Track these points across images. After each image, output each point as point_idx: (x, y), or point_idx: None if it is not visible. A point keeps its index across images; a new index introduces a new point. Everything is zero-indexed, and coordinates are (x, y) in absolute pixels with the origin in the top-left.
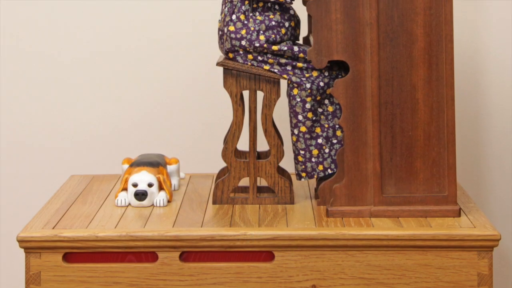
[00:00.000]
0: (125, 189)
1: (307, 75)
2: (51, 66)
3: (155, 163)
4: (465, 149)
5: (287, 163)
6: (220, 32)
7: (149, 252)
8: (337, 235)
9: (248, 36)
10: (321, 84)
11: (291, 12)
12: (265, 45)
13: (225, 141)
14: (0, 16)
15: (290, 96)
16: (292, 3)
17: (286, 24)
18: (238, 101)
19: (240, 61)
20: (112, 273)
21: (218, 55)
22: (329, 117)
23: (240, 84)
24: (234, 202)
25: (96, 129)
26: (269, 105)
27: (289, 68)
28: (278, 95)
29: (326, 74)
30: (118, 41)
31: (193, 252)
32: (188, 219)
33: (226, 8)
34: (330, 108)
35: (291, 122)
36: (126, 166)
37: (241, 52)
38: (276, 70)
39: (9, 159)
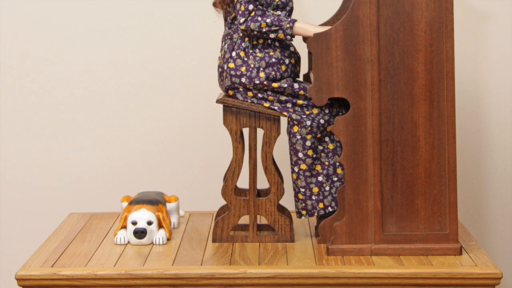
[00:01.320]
0: (124, 227)
1: (307, 112)
2: (50, 104)
3: (155, 201)
4: (467, 187)
5: (287, 201)
6: (219, 69)
7: None
8: (338, 273)
9: (248, 73)
10: (322, 121)
11: (292, 49)
12: (265, 82)
13: (225, 178)
14: (0, 55)
15: (290, 133)
16: (292, 40)
17: (287, 61)
18: (238, 139)
19: (240, 98)
20: None
21: (218, 92)
22: (330, 154)
23: (240, 121)
24: (234, 240)
25: (95, 166)
26: (269, 143)
27: (289, 105)
28: (278, 132)
29: (327, 111)
30: (118, 79)
31: None
32: (187, 257)
33: (226, 45)
34: (331, 146)
35: (291, 159)
36: (125, 204)
37: (241, 89)
38: (276, 108)
39: (8, 197)
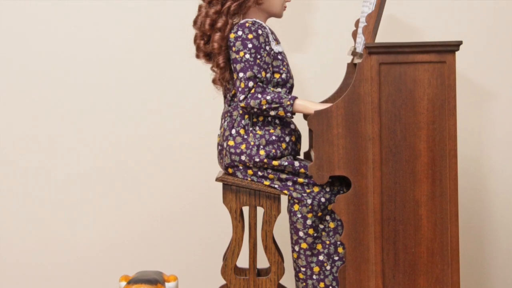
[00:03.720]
0: None
1: (308, 190)
2: (47, 183)
3: (153, 281)
4: (469, 267)
5: (288, 280)
6: (219, 147)
7: None
8: None
9: (248, 151)
10: (322, 200)
11: (292, 126)
12: (265, 160)
13: (225, 257)
14: None
15: (290, 212)
16: (293, 117)
17: (287, 138)
18: (237, 217)
19: (240, 177)
20: None
21: (217, 170)
22: (331, 233)
23: (239, 200)
24: None
25: (93, 245)
26: (269, 221)
27: (289, 183)
28: (278, 211)
29: (328, 189)
30: (117, 157)
31: None
32: None
33: (226, 123)
34: (332, 224)
35: (291, 238)
36: (123, 283)
37: (240, 167)
38: (276, 186)
39: (5, 276)
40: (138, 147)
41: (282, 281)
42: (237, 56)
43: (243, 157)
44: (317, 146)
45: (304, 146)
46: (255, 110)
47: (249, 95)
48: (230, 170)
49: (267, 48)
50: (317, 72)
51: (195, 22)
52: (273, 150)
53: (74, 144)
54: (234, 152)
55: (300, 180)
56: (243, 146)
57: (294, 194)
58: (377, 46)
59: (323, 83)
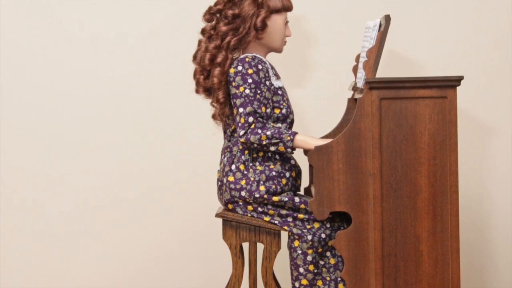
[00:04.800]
0: None
1: (308, 226)
2: (43, 218)
3: None
4: None
5: None
6: (219, 183)
7: None
8: None
9: (248, 187)
10: (323, 236)
11: (292, 162)
12: (265, 196)
13: None
14: None
15: (291, 248)
16: (293, 153)
17: (287, 174)
18: (237, 253)
19: (240, 212)
20: None
21: (217, 206)
22: (331, 269)
23: (239, 236)
24: None
25: (89, 283)
26: (269, 258)
27: (290, 219)
28: (278, 247)
29: (328, 225)
30: (115, 192)
31: None
32: None
33: (225, 158)
34: (332, 261)
35: (292, 274)
36: None
37: (240, 203)
38: (276, 222)
39: None
40: (137, 182)
41: None
42: (237, 91)
43: (243, 193)
44: (318, 181)
45: (305, 181)
46: (255, 145)
47: (249, 130)
48: (230, 206)
49: (267, 83)
50: (317, 107)
51: (194, 57)
52: (273, 186)
53: (72, 180)
54: (234, 187)
55: (301, 216)
56: (243, 182)
57: (295, 230)
58: (378, 81)
59: (323, 118)
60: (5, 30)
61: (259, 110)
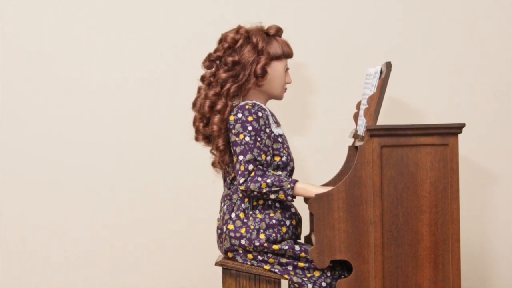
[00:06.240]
0: None
1: (308, 275)
2: (45, 267)
3: None
4: None
5: None
6: (218, 231)
7: None
8: None
9: (248, 235)
10: (323, 284)
11: (292, 210)
12: (265, 244)
13: None
14: None
15: None
16: (293, 201)
17: (287, 222)
18: None
19: (240, 261)
20: None
21: (217, 254)
22: None
23: (239, 284)
24: None
25: None
26: None
27: (290, 268)
28: None
29: (329, 274)
30: (115, 240)
31: None
32: None
33: (225, 206)
34: None
35: None
36: None
37: (240, 251)
38: (276, 270)
39: None
40: (136, 230)
41: None
42: (237, 139)
43: (243, 241)
44: (318, 230)
45: (305, 229)
46: (255, 193)
47: (249, 178)
48: (230, 254)
49: (267, 130)
50: (318, 155)
51: (194, 104)
52: (274, 234)
53: (73, 228)
54: (233, 236)
55: (301, 264)
56: (243, 230)
57: (295, 279)
58: (379, 129)
59: (324, 166)
60: (4, 77)
61: (259, 158)
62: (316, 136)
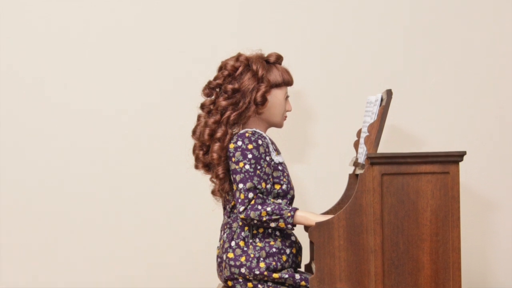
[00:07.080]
0: None
1: None
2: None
3: None
4: None
5: None
6: (218, 259)
7: None
8: None
9: (248, 264)
10: None
11: (293, 238)
12: (265, 273)
13: None
14: None
15: None
16: (293, 229)
17: (288, 251)
18: None
19: None
20: None
21: (217, 283)
22: None
23: None
24: None
25: None
26: None
27: None
28: None
29: None
30: (114, 270)
31: None
32: None
33: (225, 234)
34: None
35: None
36: None
37: (240, 280)
38: None
39: None
40: (135, 260)
41: None
42: (236, 167)
43: (243, 270)
44: (318, 258)
45: (305, 258)
46: (255, 221)
47: (249, 206)
48: (230, 283)
49: (267, 158)
50: (318, 183)
51: (194, 132)
52: (274, 263)
53: (74, 257)
54: (233, 264)
55: None
56: (242, 259)
57: None
58: (380, 157)
59: (324, 194)
60: (1, 106)
61: (259, 186)
62: (316, 164)
